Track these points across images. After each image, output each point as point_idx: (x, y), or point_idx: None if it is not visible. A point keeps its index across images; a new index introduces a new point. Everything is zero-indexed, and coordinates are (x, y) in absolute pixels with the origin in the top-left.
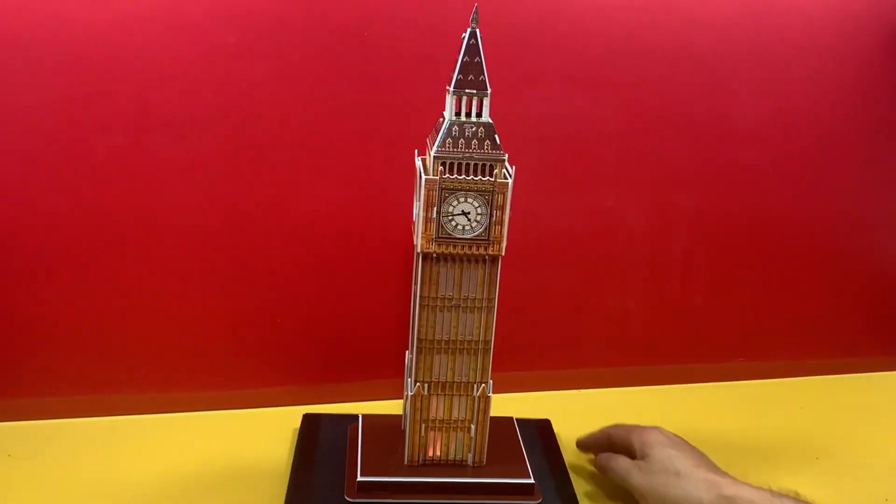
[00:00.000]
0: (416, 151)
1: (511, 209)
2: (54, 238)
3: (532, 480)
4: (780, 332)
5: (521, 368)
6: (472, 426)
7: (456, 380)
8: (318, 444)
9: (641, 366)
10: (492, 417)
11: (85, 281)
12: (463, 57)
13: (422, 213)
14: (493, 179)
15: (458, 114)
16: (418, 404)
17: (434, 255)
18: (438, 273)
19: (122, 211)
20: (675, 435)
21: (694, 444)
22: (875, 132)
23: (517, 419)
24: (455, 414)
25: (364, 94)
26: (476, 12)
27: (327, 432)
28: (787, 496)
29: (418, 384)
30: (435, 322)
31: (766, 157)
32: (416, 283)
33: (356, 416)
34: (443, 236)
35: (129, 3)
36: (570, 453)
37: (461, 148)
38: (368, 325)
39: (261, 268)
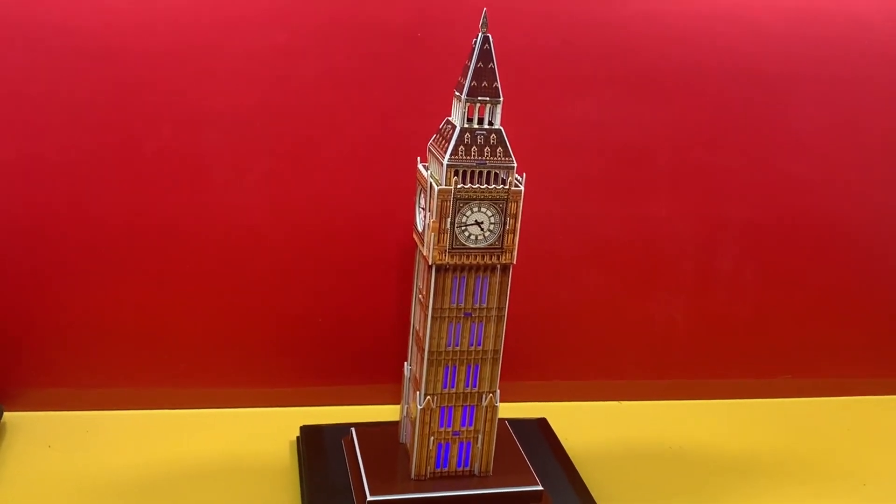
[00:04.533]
0: (418, 159)
1: (558, 216)
2: (99, 233)
3: (540, 487)
4: (829, 349)
5: (560, 377)
6: (479, 436)
7: (464, 390)
8: (320, 460)
9: (684, 379)
10: None
11: (127, 276)
12: (476, 63)
13: (434, 224)
14: (507, 188)
15: (469, 120)
16: (427, 418)
17: (446, 266)
18: (451, 284)
19: (164, 207)
20: None
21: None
22: None
23: (511, 420)
24: (462, 424)
25: (417, 97)
26: (485, 17)
27: (327, 445)
28: None
29: (428, 397)
30: (446, 333)
31: (824, 169)
32: (421, 293)
33: (349, 428)
34: (456, 247)
35: None
36: (593, 458)
37: (474, 155)
38: (366, 330)
39: (286, 269)
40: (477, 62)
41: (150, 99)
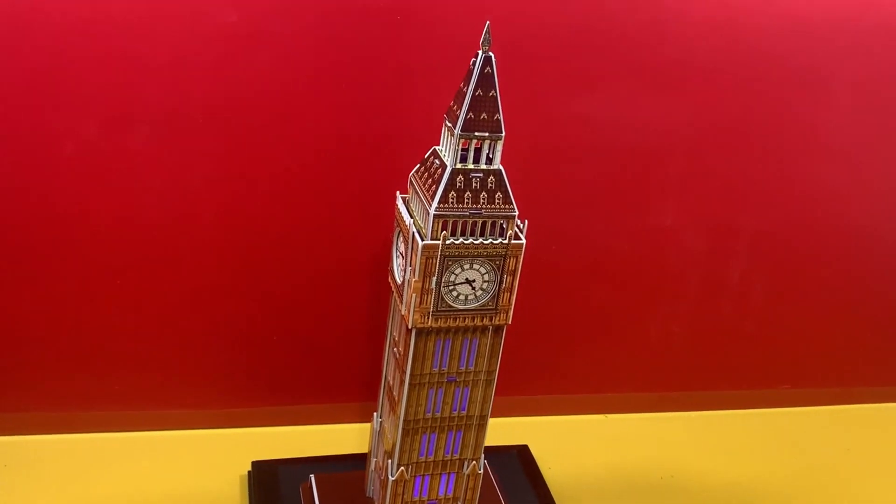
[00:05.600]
0: (397, 193)
1: (552, 223)
2: (19, 244)
3: None
4: (829, 359)
5: (552, 391)
6: None
7: (444, 458)
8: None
9: (676, 391)
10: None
11: (48, 285)
12: (475, 90)
13: (415, 283)
14: (506, 242)
15: (463, 159)
16: (399, 489)
17: (429, 329)
18: (433, 347)
19: (94, 214)
20: None
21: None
22: None
23: (490, 449)
24: (440, 492)
25: (387, 94)
26: (488, 32)
27: (282, 490)
28: None
29: (402, 468)
30: (426, 400)
31: (853, 180)
32: (396, 347)
33: (307, 470)
34: (442, 309)
35: None
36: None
37: (467, 203)
38: (330, 344)
39: (234, 282)
40: (475, 89)
41: (71, 89)
